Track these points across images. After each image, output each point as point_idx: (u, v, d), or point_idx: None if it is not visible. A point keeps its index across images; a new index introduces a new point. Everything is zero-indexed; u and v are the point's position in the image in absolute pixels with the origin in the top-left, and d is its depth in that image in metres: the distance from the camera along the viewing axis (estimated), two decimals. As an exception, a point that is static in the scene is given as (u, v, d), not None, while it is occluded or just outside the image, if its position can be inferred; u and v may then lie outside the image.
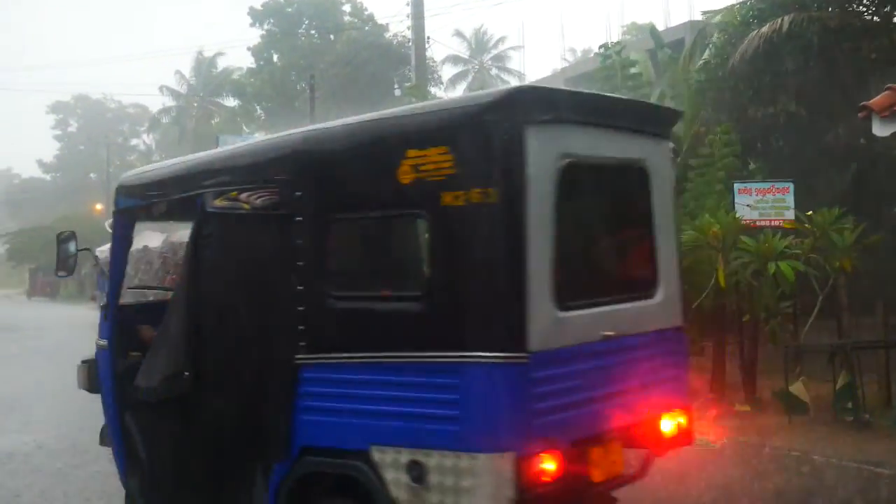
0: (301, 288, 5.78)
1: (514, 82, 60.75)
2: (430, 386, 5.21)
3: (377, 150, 5.63)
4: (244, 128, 54.14)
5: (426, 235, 5.47)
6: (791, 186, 12.83)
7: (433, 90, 33.31)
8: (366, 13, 53.73)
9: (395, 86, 48.26)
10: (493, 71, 63.55)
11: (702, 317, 13.09)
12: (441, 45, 70.80)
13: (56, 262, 7.64)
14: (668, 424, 6.23)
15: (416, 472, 5.21)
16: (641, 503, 8.57)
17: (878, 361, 12.09)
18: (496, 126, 5.15)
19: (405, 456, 5.27)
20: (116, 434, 7.01)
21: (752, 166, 15.70)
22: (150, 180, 7.17)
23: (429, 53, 40.63)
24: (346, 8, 54.44)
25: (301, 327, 5.77)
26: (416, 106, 5.80)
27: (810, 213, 12.55)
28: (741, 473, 9.56)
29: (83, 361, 7.59)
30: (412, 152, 5.33)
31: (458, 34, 63.46)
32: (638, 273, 6.42)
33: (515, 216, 5.13)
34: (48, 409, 14.67)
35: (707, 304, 12.76)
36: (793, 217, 12.65)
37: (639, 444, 6.23)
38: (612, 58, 17.60)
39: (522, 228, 5.13)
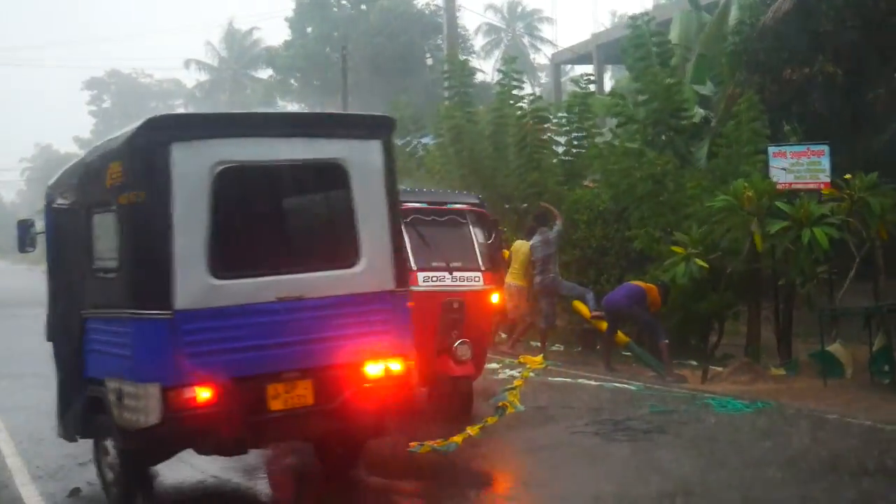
0: (83, 262, 7.93)
1: (546, 51, 60.55)
2: (121, 333, 7.31)
3: (101, 163, 7.67)
4: (279, 100, 54.19)
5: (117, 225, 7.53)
6: (826, 149, 12.66)
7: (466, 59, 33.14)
8: (397, -18, 53.46)
9: (427, 55, 48.11)
10: (526, 39, 63.19)
11: (736, 281, 13.02)
12: (473, 14, 70.49)
13: (20, 242, 9.36)
14: (375, 369, 7.65)
15: (119, 395, 7.25)
16: (664, 462, 8.60)
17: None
18: (142, 145, 7.11)
19: (116, 384, 7.30)
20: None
21: (786, 128, 15.53)
22: (56, 182, 8.96)
23: (461, 23, 40.52)
24: (378, -23, 54.16)
25: (85, 290, 7.95)
26: (123, 131, 7.68)
27: (848, 176, 12.41)
28: (777, 437, 9.54)
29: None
30: (110, 164, 7.44)
31: (491, 7, 63.04)
32: (333, 248, 7.90)
33: (160, 212, 6.96)
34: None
35: (741, 268, 12.69)
36: (828, 180, 12.50)
37: (345, 384, 7.58)
38: (641, 28, 18.33)
39: (168, 221, 6.96)
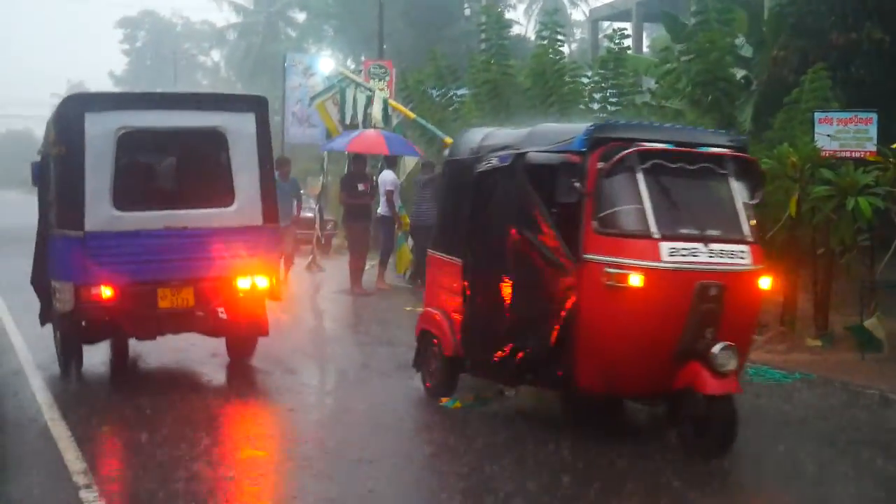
0: (46, 194, 10.93)
1: (584, 7, 59.87)
2: (56, 246, 10.29)
3: (49, 126, 10.87)
4: (311, 47, 53.74)
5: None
6: (874, 117, 12.37)
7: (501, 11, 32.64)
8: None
9: (465, 5, 47.60)
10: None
11: (776, 248, 12.81)
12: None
13: (33, 177, 11.90)
14: (245, 283, 10.15)
15: (55, 291, 10.21)
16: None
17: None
18: (64, 114, 10.11)
19: (55, 283, 10.25)
20: None
21: (828, 93, 15.25)
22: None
23: (499, -27, 39.91)
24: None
25: (47, 214, 10.83)
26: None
27: (894, 145, 12.15)
28: (815, 410, 9.44)
29: None
30: (51, 126, 10.64)
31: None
32: (213, 193, 10.27)
33: (76, 161, 9.74)
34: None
35: (781, 235, 12.49)
36: (874, 149, 12.24)
37: (219, 292, 10.10)
38: None
39: (81, 168, 9.70)
